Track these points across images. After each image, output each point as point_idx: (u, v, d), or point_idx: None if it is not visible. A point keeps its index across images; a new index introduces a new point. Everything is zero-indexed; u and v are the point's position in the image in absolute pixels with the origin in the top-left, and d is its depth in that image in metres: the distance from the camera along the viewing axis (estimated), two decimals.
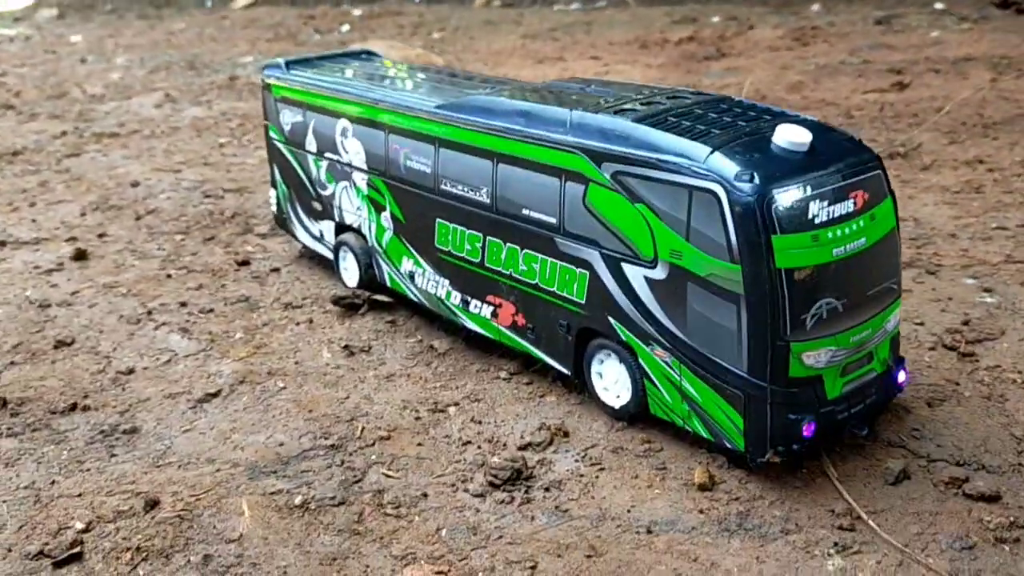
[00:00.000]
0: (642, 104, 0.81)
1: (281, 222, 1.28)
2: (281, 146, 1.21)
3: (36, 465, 0.86)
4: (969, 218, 1.31)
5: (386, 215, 1.03)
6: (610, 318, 0.79)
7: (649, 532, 0.70)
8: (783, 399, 0.69)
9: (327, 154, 1.11)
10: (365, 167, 1.05)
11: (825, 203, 0.68)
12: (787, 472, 0.75)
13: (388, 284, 1.08)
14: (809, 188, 0.68)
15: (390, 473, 0.81)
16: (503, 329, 0.92)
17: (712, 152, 0.68)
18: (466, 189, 0.91)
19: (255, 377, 1.00)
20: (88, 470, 0.84)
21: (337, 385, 0.98)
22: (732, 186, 0.66)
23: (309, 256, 1.35)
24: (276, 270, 1.31)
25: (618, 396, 0.82)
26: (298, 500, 0.77)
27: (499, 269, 0.90)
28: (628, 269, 0.76)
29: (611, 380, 0.82)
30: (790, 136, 0.70)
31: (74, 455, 0.87)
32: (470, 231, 0.91)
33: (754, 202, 0.66)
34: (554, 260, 0.84)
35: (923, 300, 1.06)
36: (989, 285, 1.09)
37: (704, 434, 0.74)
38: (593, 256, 0.79)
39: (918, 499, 0.72)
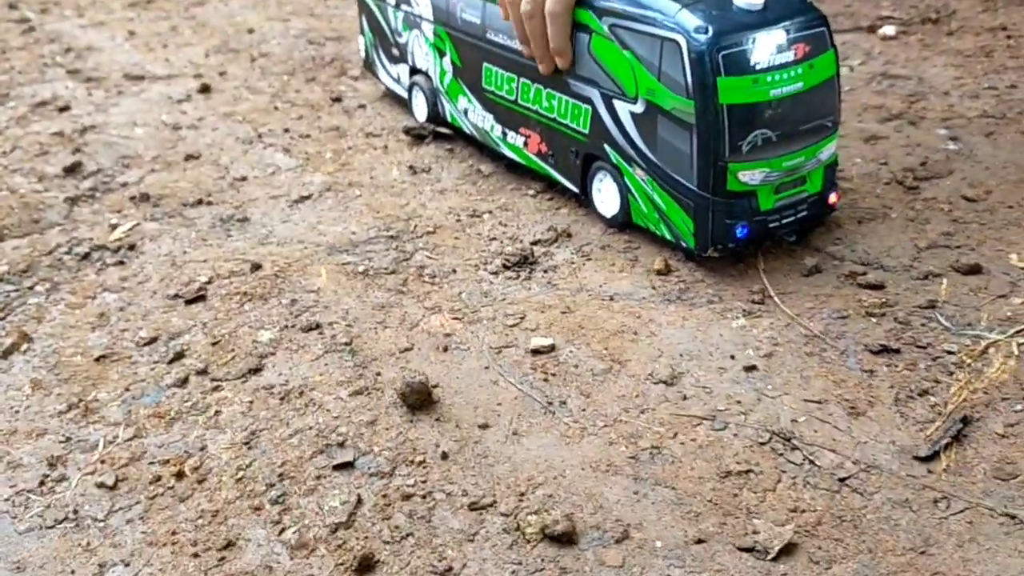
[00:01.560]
0: None
1: (368, 66, 1.44)
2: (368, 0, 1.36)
3: (172, 240, 1.14)
4: (968, 79, 1.44)
5: (447, 60, 1.19)
6: (605, 145, 0.97)
7: (611, 299, 0.94)
8: (722, 208, 0.88)
9: (403, 5, 1.26)
10: (432, 18, 1.20)
11: (766, 53, 0.85)
12: (727, 264, 0.97)
13: (449, 120, 1.25)
14: (753, 40, 0.84)
15: (431, 256, 1.06)
16: (531, 156, 1.11)
17: (680, 9, 0.85)
18: (505, 38, 1.07)
19: (339, 187, 1.26)
20: (210, 245, 1.13)
21: (401, 195, 1.23)
22: (691, 37, 0.83)
23: (391, 96, 1.59)
24: (363, 106, 1.56)
25: (611, 207, 1.02)
26: (361, 268, 1.03)
27: (528, 105, 1.07)
28: (618, 105, 0.93)
29: (607, 195, 1.02)
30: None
31: (200, 235, 1.15)
32: (507, 73, 1.09)
33: (705, 50, 0.83)
34: (566, 98, 1.01)
35: (895, 145, 1.24)
36: (957, 135, 1.25)
37: (668, 236, 0.94)
38: (594, 94, 0.97)
39: (820, 286, 0.93)
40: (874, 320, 0.86)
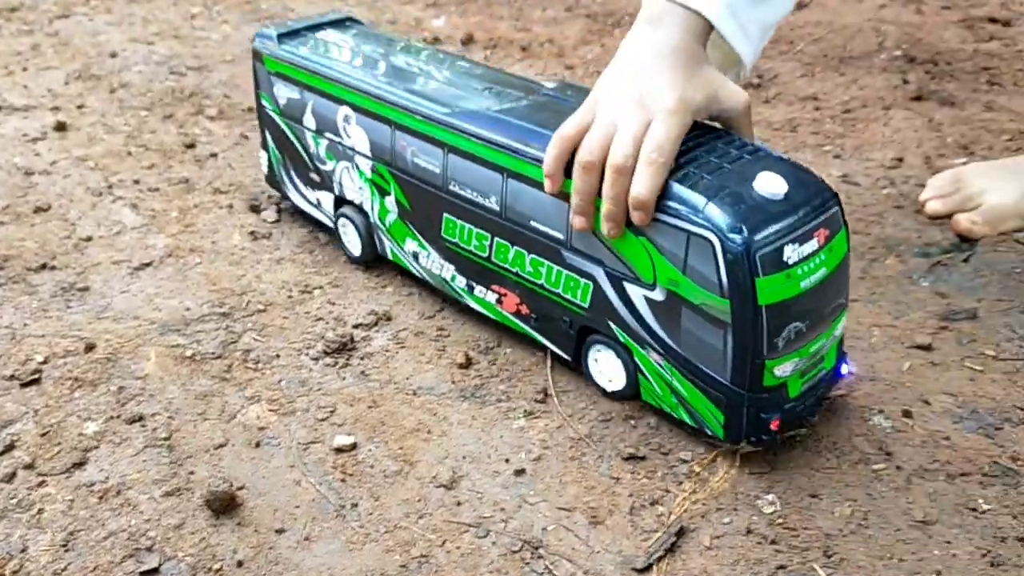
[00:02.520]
0: None
1: (272, 183, 1.35)
2: (275, 116, 1.26)
3: (14, 311, 1.20)
4: None
5: (391, 200, 1.13)
6: (610, 323, 0.95)
7: (415, 394, 1.06)
8: (757, 403, 0.88)
9: (327, 134, 1.19)
10: (369, 154, 1.13)
11: (796, 245, 0.84)
12: (522, 356, 1.10)
13: (390, 257, 1.19)
14: (784, 234, 0.84)
15: (258, 337, 1.15)
16: (507, 314, 1.06)
17: (707, 203, 0.83)
18: (475, 194, 1.01)
19: (180, 252, 1.34)
20: (50, 317, 1.19)
21: (240, 264, 1.31)
22: (725, 237, 0.81)
23: (243, 146, 1.66)
24: (214, 155, 1.62)
25: (610, 380, 1.00)
26: (189, 353, 1.12)
27: (505, 266, 1.02)
28: (630, 288, 0.91)
29: (607, 368, 0.99)
30: (769, 187, 0.85)
31: (41, 304, 1.22)
32: (478, 230, 1.03)
33: (742, 252, 0.81)
34: (560, 268, 0.97)
35: None
36: None
37: (689, 421, 0.94)
38: (597, 272, 0.94)
39: (592, 384, 1.06)
40: (632, 423, 1.00)
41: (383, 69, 1.16)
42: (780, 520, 0.88)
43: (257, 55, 1.26)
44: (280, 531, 0.87)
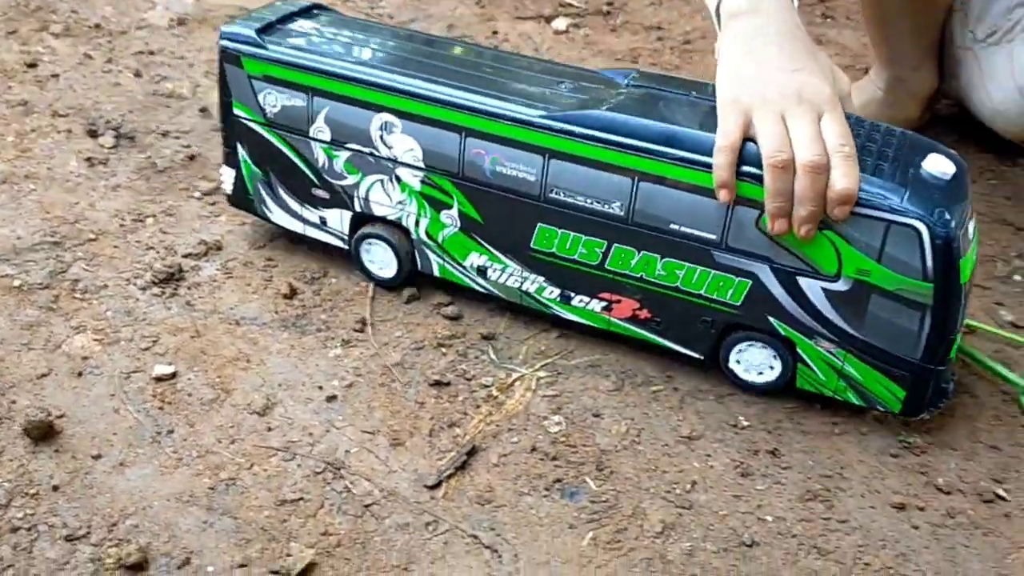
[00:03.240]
0: None
1: (245, 204, 1.18)
2: (258, 128, 1.11)
3: None
4: None
5: (450, 213, 1.04)
6: (770, 318, 0.94)
7: (237, 324, 1.10)
8: (941, 376, 0.92)
9: (350, 145, 1.06)
10: (421, 165, 1.03)
11: (972, 221, 0.89)
12: (344, 287, 1.16)
13: (437, 274, 1.10)
14: (966, 213, 0.88)
15: (88, 267, 1.18)
16: (617, 320, 1.02)
17: (906, 192, 0.85)
18: (589, 201, 0.96)
19: (15, 179, 1.33)
20: None
21: (75, 191, 1.32)
22: (933, 224, 0.84)
23: (87, 66, 1.63)
24: (56, 76, 1.60)
25: (760, 374, 1.00)
26: (16, 283, 1.14)
27: (626, 272, 0.97)
28: (804, 281, 0.91)
29: (753, 363, 1.00)
30: (940, 168, 0.87)
31: None
32: (588, 237, 0.98)
33: (951, 237, 0.84)
34: (706, 269, 0.94)
35: None
36: None
37: (857, 401, 0.97)
38: (762, 269, 0.92)
39: (413, 315, 1.12)
40: (443, 351, 1.07)
41: (423, 67, 1.04)
42: (563, 438, 0.97)
43: (230, 57, 1.08)
44: (97, 457, 0.93)
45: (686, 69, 1.73)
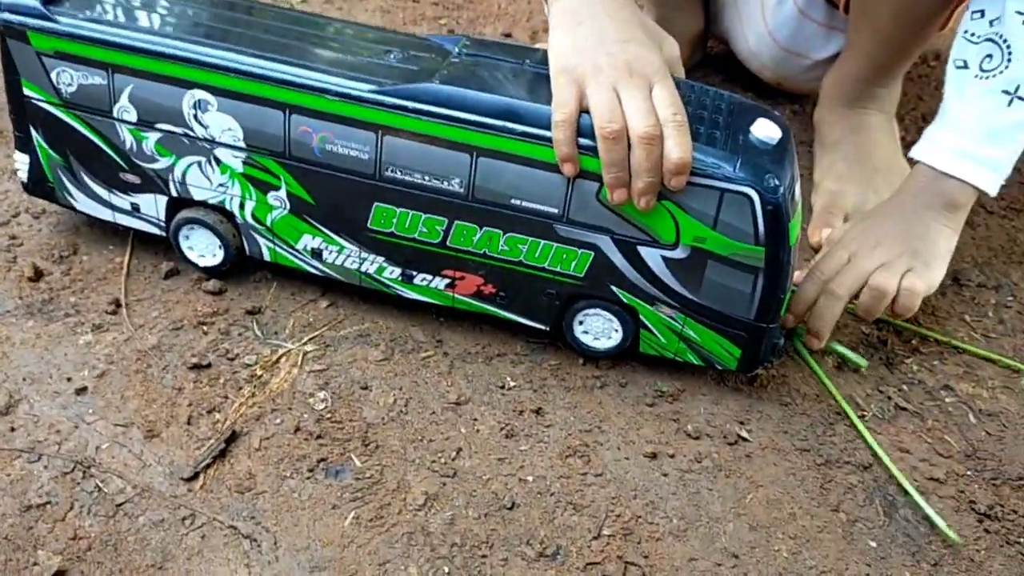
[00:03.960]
0: None
1: (45, 191, 1.07)
2: (52, 108, 1.00)
3: None
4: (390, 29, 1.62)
5: (278, 195, 0.97)
6: (613, 287, 0.94)
7: None
8: (773, 332, 0.95)
9: (160, 125, 0.97)
10: (243, 144, 0.95)
11: (798, 183, 0.91)
12: (97, 264, 1.09)
13: (268, 258, 1.04)
14: (792, 176, 0.89)
15: None
16: (461, 296, 1.00)
17: (737, 159, 0.86)
18: (427, 178, 0.91)
19: None
20: None
21: None
22: (763, 190, 0.85)
23: None
24: None
25: (602, 340, 1.01)
26: None
27: (469, 248, 0.95)
28: (644, 250, 0.91)
29: (597, 331, 1.00)
30: (767, 133, 0.88)
31: None
32: (428, 215, 0.93)
33: (779, 202, 0.85)
34: (549, 243, 0.93)
35: None
36: None
37: (696, 361, 0.99)
38: (602, 240, 0.91)
39: (172, 292, 1.07)
40: (204, 330, 1.04)
41: (238, 37, 0.96)
42: (329, 415, 0.96)
43: (13, 32, 0.97)
44: None
45: (468, 8, 1.70)
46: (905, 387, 1.08)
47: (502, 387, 1.02)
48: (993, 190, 1.04)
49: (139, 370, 0.99)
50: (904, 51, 1.28)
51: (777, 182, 0.88)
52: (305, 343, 1.04)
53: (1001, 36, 1.00)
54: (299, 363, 1.02)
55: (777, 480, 0.95)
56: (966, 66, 1.03)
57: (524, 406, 1.00)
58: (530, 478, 0.93)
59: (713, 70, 1.59)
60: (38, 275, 1.07)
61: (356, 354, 1.04)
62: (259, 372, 1.00)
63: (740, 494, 0.93)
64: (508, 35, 1.64)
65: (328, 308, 1.09)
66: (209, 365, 1.00)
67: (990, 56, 1.00)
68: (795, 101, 1.53)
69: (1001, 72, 1.00)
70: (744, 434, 1.00)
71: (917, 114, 1.55)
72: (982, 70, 1.01)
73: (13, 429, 0.92)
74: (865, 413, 1.04)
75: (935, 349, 1.13)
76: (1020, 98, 1.00)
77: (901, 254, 1.04)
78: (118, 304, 1.06)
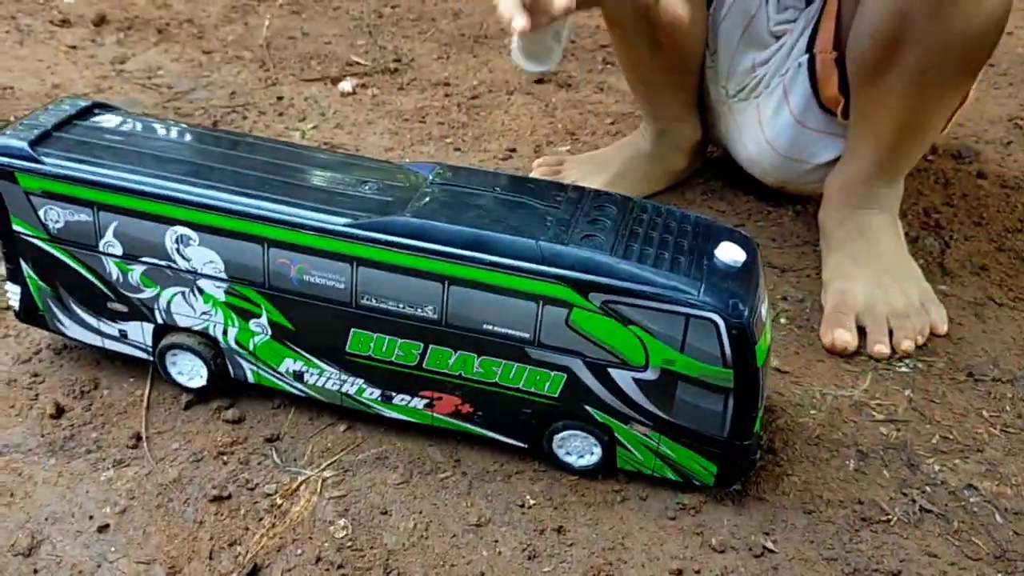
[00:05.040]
0: (588, 223, 0.94)
1: (36, 320, 1.12)
2: (41, 243, 1.04)
3: None
4: (398, 150, 1.67)
5: (259, 322, 1.01)
6: (587, 407, 0.96)
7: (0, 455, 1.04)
8: (748, 449, 0.97)
9: (145, 258, 1.02)
10: (224, 276, 0.99)
11: (763, 303, 0.94)
12: (114, 401, 1.11)
13: (252, 380, 1.07)
14: (758, 298, 0.92)
15: None
16: (440, 416, 1.03)
17: (701, 286, 0.89)
18: (402, 305, 0.95)
19: None
20: None
21: None
22: (727, 315, 0.88)
23: None
24: None
25: (581, 457, 1.02)
26: None
27: (444, 371, 0.98)
28: (615, 372, 0.93)
29: (574, 448, 1.02)
30: (731, 256, 0.91)
31: None
32: (404, 340, 0.97)
33: (743, 326, 0.88)
34: (522, 365, 0.95)
35: None
36: None
37: (672, 477, 1.00)
38: (575, 363, 0.94)
39: (192, 422, 1.09)
40: (224, 460, 1.04)
41: (216, 173, 1.00)
42: (349, 543, 0.96)
43: (2, 173, 1.02)
44: None
45: (473, 126, 1.75)
46: (928, 488, 1.07)
47: (522, 506, 1.02)
48: None
49: (160, 504, 0.99)
50: (906, 155, 1.31)
51: (742, 306, 0.90)
52: (324, 469, 1.04)
53: None
54: (318, 490, 1.02)
55: None
56: None
57: (545, 525, 0.99)
58: None
59: (714, 175, 1.62)
60: (60, 412, 1.09)
61: (375, 478, 1.04)
62: (279, 501, 1.00)
63: None
64: (513, 150, 1.68)
65: (346, 432, 1.09)
66: (230, 496, 1.00)
67: None
68: (798, 201, 1.55)
69: None
70: (769, 545, 0.98)
71: (919, 208, 1.57)
72: None
73: (36, 571, 0.92)
74: (890, 517, 1.03)
75: (956, 447, 1.12)
76: None
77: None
78: (139, 438, 1.06)
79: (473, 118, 1.78)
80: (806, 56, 1.31)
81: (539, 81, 1.91)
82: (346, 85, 1.83)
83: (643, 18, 1.34)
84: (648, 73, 1.46)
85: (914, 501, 1.05)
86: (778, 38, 1.36)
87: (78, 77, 1.86)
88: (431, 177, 1.02)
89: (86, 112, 1.11)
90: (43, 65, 1.89)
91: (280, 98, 1.82)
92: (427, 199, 0.98)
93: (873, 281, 1.29)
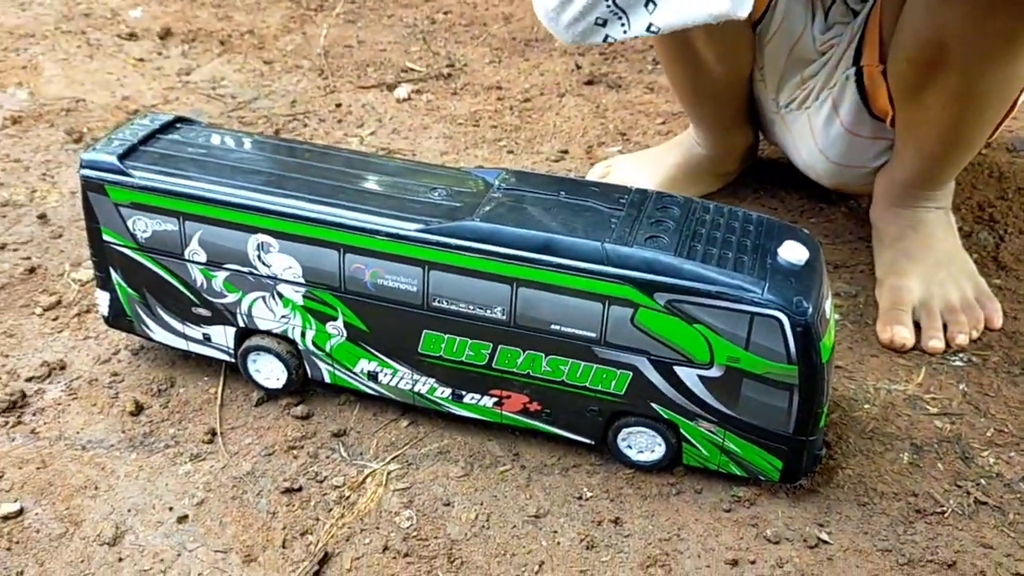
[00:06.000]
0: (651, 224, 0.97)
1: (124, 325, 1.18)
2: (129, 252, 1.10)
3: None
4: (452, 154, 1.71)
5: (335, 324, 1.06)
6: (653, 404, 1.00)
7: (84, 449, 1.10)
8: (814, 444, 0.99)
9: (228, 265, 1.07)
10: (302, 281, 1.05)
11: (828, 300, 0.96)
12: (191, 396, 1.16)
13: (328, 380, 1.12)
14: (822, 295, 0.94)
15: None
16: (508, 413, 1.06)
17: (765, 284, 0.91)
18: (471, 307, 0.99)
19: None
20: None
21: None
22: (792, 313, 0.90)
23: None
24: None
25: (646, 453, 1.05)
26: None
27: (513, 370, 1.02)
28: (680, 370, 0.96)
29: (641, 445, 1.05)
30: (794, 255, 0.94)
31: None
32: (473, 340, 1.01)
33: (809, 324, 0.90)
34: (589, 364, 0.99)
35: None
36: None
37: (738, 472, 1.03)
38: (640, 362, 0.97)
39: (263, 418, 1.13)
40: (294, 454, 1.09)
41: (294, 182, 1.05)
42: (415, 533, 1.00)
43: (93, 186, 1.07)
44: None
45: (525, 129, 1.79)
46: (983, 481, 1.07)
47: (579, 498, 1.05)
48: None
49: (235, 496, 1.04)
50: (952, 164, 1.31)
51: (806, 303, 0.92)
52: (388, 462, 1.08)
53: None
54: (384, 482, 1.06)
55: None
56: None
57: (602, 516, 1.02)
58: None
59: (765, 173, 1.64)
60: (139, 409, 1.15)
61: (437, 471, 1.08)
62: (347, 493, 1.05)
63: None
64: (565, 151, 1.71)
65: (409, 427, 1.13)
66: (300, 488, 1.05)
67: None
68: (850, 198, 1.56)
69: None
70: (824, 536, 1.00)
71: (973, 203, 1.56)
72: None
73: (121, 559, 0.97)
74: (945, 509, 1.04)
75: (1011, 440, 1.13)
76: None
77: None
78: (214, 433, 1.12)
79: (525, 121, 1.81)
80: (853, 69, 1.32)
81: (589, 83, 1.94)
82: (401, 91, 1.88)
83: (688, 43, 1.35)
84: (694, 95, 1.47)
85: (968, 493, 1.06)
86: (824, 54, 1.37)
87: (146, 89, 1.93)
88: (497, 182, 1.06)
89: (168, 126, 1.17)
90: (112, 78, 1.97)
91: (338, 105, 1.87)
92: (494, 204, 1.02)
93: (927, 277, 1.29)
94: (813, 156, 1.43)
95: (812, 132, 1.41)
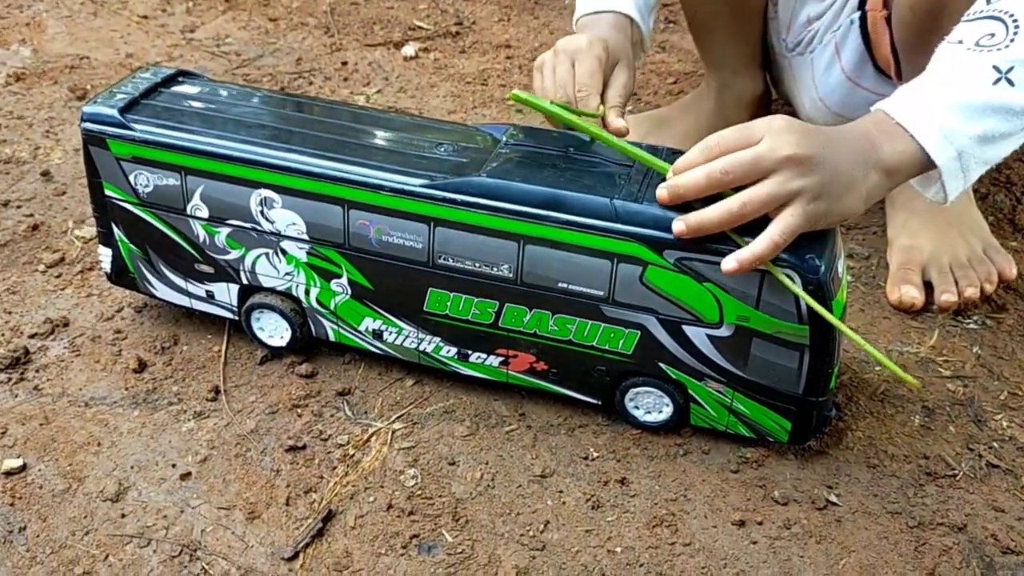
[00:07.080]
0: (662, 181, 0.93)
1: (127, 282, 1.17)
2: (131, 207, 1.09)
3: None
4: (460, 112, 1.69)
5: (340, 282, 1.05)
6: (661, 364, 0.98)
7: (87, 405, 1.09)
8: (823, 405, 0.97)
9: (230, 221, 1.05)
10: (306, 237, 1.03)
11: (840, 259, 0.94)
12: (194, 354, 1.15)
13: (333, 339, 1.11)
14: (835, 254, 0.92)
15: None
16: (514, 373, 1.05)
17: None
18: (478, 264, 0.97)
19: None
20: None
21: None
22: (804, 270, 0.88)
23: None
24: None
25: (653, 414, 1.04)
26: None
27: (520, 329, 1.00)
28: (689, 329, 0.95)
29: (648, 405, 1.04)
30: None
31: None
32: (480, 299, 1.00)
33: (822, 281, 0.88)
34: (596, 323, 0.97)
35: None
36: None
37: (746, 433, 1.01)
38: (648, 320, 0.96)
39: (267, 376, 1.13)
40: (298, 412, 1.08)
41: (297, 137, 1.03)
42: (419, 491, 0.99)
43: (94, 139, 1.05)
44: None
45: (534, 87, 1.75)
46: (996, 444, 1.06)
47: (585, 458, 1.04)
48: (940, 159, 0.87)
49: (239, 454, 1.03)
50: None
51: (818, 261, 0.89)
52: (393, 421, 1.08)
53: (1008, 12, 0.90)
54: (389, 441, 1.05)
55: (870, 545, 0.94)
56: (960, 43, 0.91)
57: (609, 476, 1.01)
58: (618, 549, 0.94)
59: None
60: (142, 366, 1.14)
61: (443, 430, 1.07)
62: (351, 451, 1.04)
63: (832, 560, 0.93)
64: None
65: (414, 386, 1.12)
66: (304, 446, 1.04)
67: (992, 34, 0.89)
68: None
69: (999, 49, 0.87)
70: (833, 498, 0.99)
71: None
72: (978, 45, 0.88)
73: (123, 515, 0.97)
74: (956, 472, 1.02)
75: None
76: (1009, 81, 0.85)
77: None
78: (218, 391, 1.11)
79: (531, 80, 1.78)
80: (858, 13, 1.29)
81: None
82: (409, 49, 1.85)
83: None
84: (708, 22, 1.44)
85: (980, 456, 1.04)
86: None
87: (150, 46, 1.91)
88: (505, 138, 1.04)
89: (171, 80, 1.15)
90: (116, 35, 1.95)
91: (344, 63, 1.85)
92: (501, 160, 1.00)
93: (938, 236, 1.27)
94: (814, 105, 1.41)
95: (814, 77, 1.39)
